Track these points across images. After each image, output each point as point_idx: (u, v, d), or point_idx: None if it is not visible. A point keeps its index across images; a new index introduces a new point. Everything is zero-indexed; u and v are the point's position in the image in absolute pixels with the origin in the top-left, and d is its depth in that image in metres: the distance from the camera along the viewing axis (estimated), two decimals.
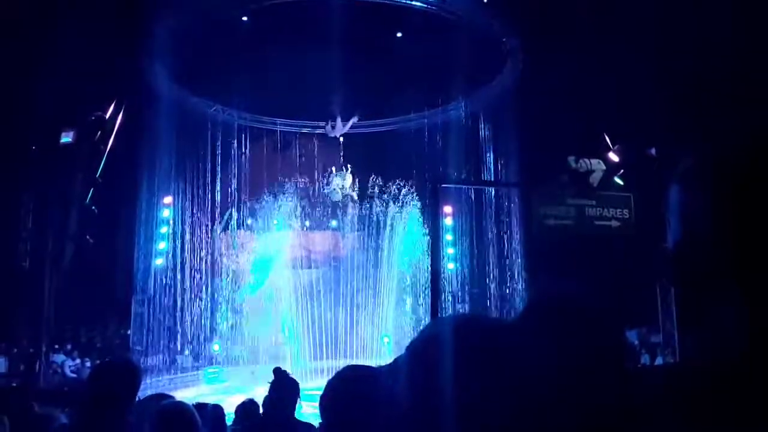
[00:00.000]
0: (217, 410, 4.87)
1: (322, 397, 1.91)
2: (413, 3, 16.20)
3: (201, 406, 7.34)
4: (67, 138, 12.52)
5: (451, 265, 19.63)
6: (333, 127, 20.54)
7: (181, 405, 2.89)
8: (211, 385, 17.76)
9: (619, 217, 12.12)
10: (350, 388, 1.88)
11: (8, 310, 12.37)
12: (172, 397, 3.41)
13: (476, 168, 18.00)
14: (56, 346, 16.24)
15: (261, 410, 5.15)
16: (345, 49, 17.15)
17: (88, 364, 16.91)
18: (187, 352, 19.30)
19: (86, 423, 2.76)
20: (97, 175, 13.31)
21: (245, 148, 20.65)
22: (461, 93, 18.10)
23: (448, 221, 19.49)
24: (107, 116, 13.73)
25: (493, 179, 17.49)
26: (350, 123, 20.33)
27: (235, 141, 20.14)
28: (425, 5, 16.20)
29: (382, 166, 19.97)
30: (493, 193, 18.22)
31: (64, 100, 12.97)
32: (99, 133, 13.47)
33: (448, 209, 19.12)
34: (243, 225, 22.14)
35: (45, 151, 12.38)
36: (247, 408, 5.71)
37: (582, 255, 13.40)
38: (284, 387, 3.74)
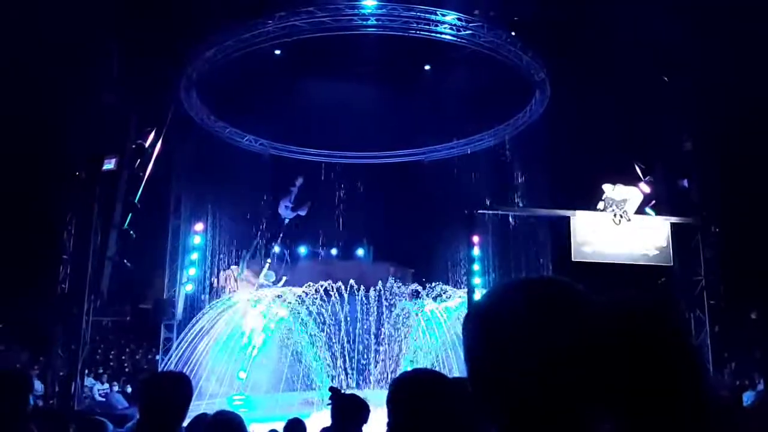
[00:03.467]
0: (299, 423, 4.83)
1: (390, 392, 1.91)
2: (443, 36, 16.52)
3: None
4: (109, 165, 12.90)
5: (477, 295, 19.52)
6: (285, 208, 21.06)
7: (233, 413, 2.87)
8: (236, 412, 17.67)
9: (657, 246, 12.02)
10: (420, 386, 1.90)
11: (47, 331, 12.57)
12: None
13: (507, 197, 18.07)
14: (86, 371, 16.39)
15: None
16: (374, 81, 17.55)
17: (116, 388, 17.02)
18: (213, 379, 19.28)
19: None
20: (136, 200, 13.63)
21: (273, 177, 20.98)
22: (492, 122, 18.30)
23: (476, 251, 19.48)
24: (147, 144, 14.13)
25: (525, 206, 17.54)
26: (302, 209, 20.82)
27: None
28: (455, 38, 16.53)
29: (412, 194, 20.09)
30: (521, 221, 18.22)
31: (107, 129, 13.41)
32: (139, 160, 13.85)
33: (475, 239, 19.13)
34: (268, 255, 22.36)
35: (89, 177, 12.74)
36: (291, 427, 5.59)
37: (616, 284, 13.28)
38: (349, 407, 3.59)
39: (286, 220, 21.42)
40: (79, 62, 13.45)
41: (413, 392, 1.89)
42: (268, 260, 21.36)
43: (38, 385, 14.69)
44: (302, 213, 21.16)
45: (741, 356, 15.04)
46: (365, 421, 3.49)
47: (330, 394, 3.58)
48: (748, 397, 13.55)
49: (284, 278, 21.15)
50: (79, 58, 13.38)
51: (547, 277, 0.88)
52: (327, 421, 3.74)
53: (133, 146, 13.48)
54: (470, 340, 0.86)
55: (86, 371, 16.34)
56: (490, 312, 0.85)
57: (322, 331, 19.37)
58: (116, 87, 13.77)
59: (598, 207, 12.30)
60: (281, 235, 21.97)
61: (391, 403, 1.92)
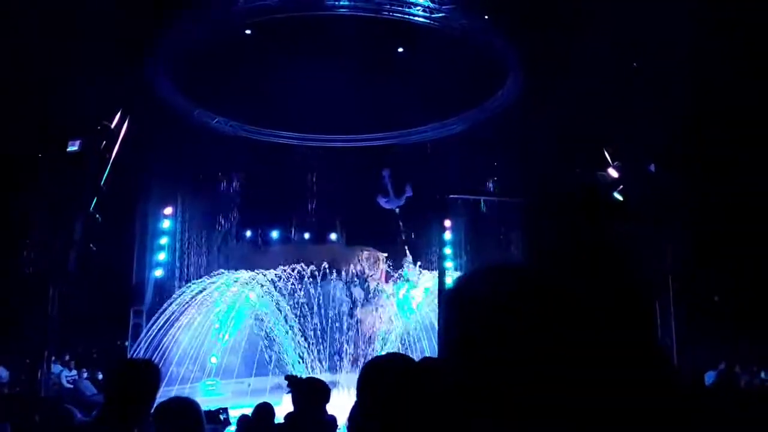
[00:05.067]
0: (268, 407, 4.83)
1: (361, 376, 1.94)
2: (415, 18, 16.41)
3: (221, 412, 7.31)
4: (73, 146, 12.55)
5: (449, 279, 19.71)
6: (387, 201, 20.41)
7: (183, 398, 2.82)
8: (208, 398, 17.62)
9: (623, 231, 12.24)
10: (386, 369, 1.92)
11: (12, 318, 12.27)
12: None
13: (479, 182, 18.17)
14: (53, 357, 16.08)
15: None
16: (345, 63, 17.37)
17: (85, 375, 16.76)
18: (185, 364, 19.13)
19: (106, 421, 2.67)
20: (102, 184, 13.32)
21: (244, 160, 20.71)
22: (463, 108, 18.32)
23: (447, 235, 19.62)
24: (113, 126, 13.78)
25: (497, 192, 17.68)
26: (404, 195, 20.26)
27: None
28: (428, 21, 16.43)
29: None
30: (490, 206, 18.37)
31: (71, 110, 13.01)
32: (104, 142, 13.50)
33: (447, 223, 19.26)
34: (241, 238, 22.18)
35: (52, 159, 12.39)
36: (251, 419, 5.54)
37: (584, 268, 13.48)
38: (307, 392, 3.60)
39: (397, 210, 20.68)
40: (40, 40, 13.02)
41: (381, 377, 1.91)
42: None
43: (3, 372, 14.39)
44: (409, 194, 20.20)
45: (704, 338, 15.54)
46: (326, 401, 3.52)
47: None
48: (709, 377, 14.03)
49: None
50: (40, 36, 12.93)
51: (516, 264, 0.89)
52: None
53: (99, 128, 13.13)
54: (443, 322, 0.87)
55: (53, 358, 16.06)
56: (461, 296, 0.86)
57: (295, 315, 19.36)
58: (80, 67, 13.35)
59: (567, 191, 12.46)
60: (252, 218, 21.77)
61: (360, 387, 1.94)
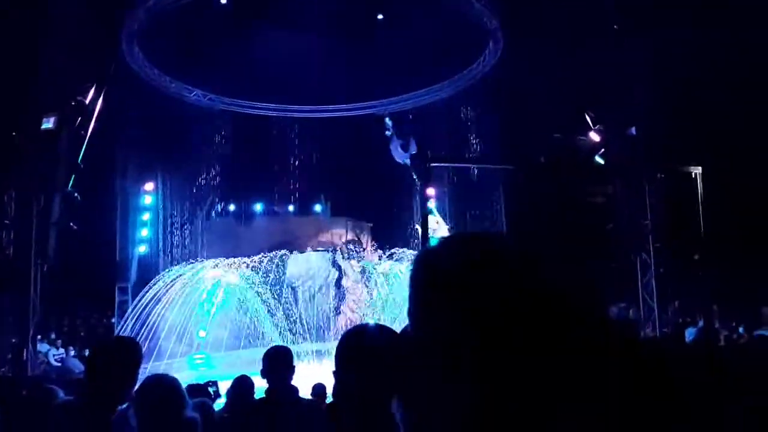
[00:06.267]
0: (245, 380, 4.84)
1: (338, 347, 1.92)
2: None
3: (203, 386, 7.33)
4: (47, 123, 12.27)
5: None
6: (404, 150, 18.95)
7: (161, 375, 2.75)
8: (196, 371, 17.71)
9: (603, 193, 12.36)
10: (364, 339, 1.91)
11: None
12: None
13: (462, 149, 18.13)
14: (39, 336, 16.05)
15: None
16: (325, 32, 17.09)
17: (72, 353, 16.77)
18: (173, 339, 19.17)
19: (88, 400, 2.66)
20: (79, 161, 13.07)
21: (224, 134, 20.43)
22: (444, 74, 18.17)
23: (431, 203, 19.65)
24: (87, 101, 13.46)
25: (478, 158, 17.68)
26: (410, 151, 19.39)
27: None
28: None
29: (367, 148, 19.95)
30: (476, 173, 18.42)
31: (43, 85, 12.70)
32: (79, 118, 13.21)
33: (431, 191, 19.27)
34: (224, 212, 22.03)
35: (26, 137, 12.12)
36: (238, 386, 5.51)
37: (565, 232, 13.67)
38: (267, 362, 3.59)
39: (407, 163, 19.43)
40: (10, 14, 12.61)
41: (358, 346, 1.92)
42: None
43: None
44: (413, 151, 18.54)
45: (684, 296, 15.88)
46: (288, 366, 3.58)
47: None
48: (690, 333, 14.39)
49: None
50: (10, 10, 12.52)
51: (481, 233, 0.88)
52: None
53: (73, 103, 12.82)
54: (410, 290, 0.86)
55: (39, 337, 16.02)
56: (423, 261, 0.85)
57: (279, 296, 19.36)
58: (52, 40, 12.98)
59: (547, 156, 12.54)
60: (235, 192, 21.58)
61: (337, 357, 1.95)
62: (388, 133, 19.29)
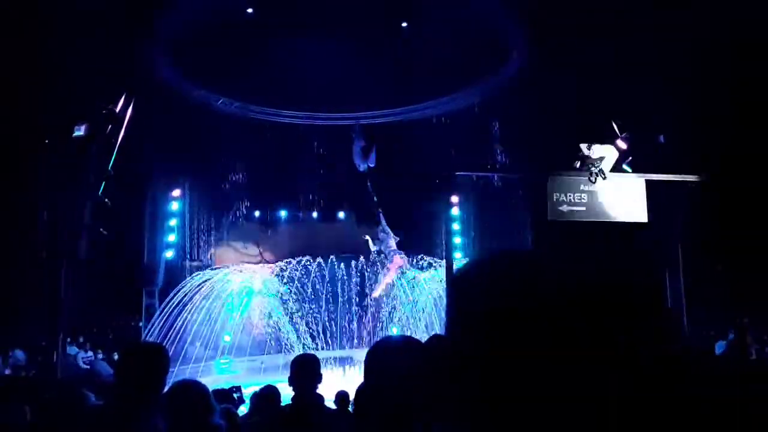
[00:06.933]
0: (272, 389, 4.87)
1: (368, 357, 1.97)
2: None
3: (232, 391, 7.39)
4: (79, 131, 12.57)
5: (458, 255, 19.72)
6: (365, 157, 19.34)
7: (190, 380, 2.84)
8: (222, 375, 17.90)
9: (632, 203, 12.16)
10: (393, 351, 1.96)
11: (26, 302, 12.47)
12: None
13: (487, 158, 18.05)
14: (68, 339, 16.37)
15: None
16: (348, 40, 17.19)
17: (100, 355, 17.08)
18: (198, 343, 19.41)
19: (118, 405, 2.71)
20: (109, 168, 13.35)
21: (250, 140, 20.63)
22: (469, 83, 18.13)
23: (455, 211, 19.58)
24: (117, 109, 13.76)
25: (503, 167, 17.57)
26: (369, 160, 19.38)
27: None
28: None
29: (390, 157, 19.93)
30: (500, 182, 18.29)
31: (75, 95, 13.03)
32: (110, 126, 13.50)
33: (454, 199, 19.19)
34: (249, 218, 22.27)
35: (58, 145, 12.44)
36: (265, 396, 5.56)
37: (593, 242, 13.49)
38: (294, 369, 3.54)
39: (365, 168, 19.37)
40: (43, 28, 13.00)
41: (384, 357, 1.95)
42: None
43: (20, 354, 14.67)
44: (372, 164, 19.07)
45: (712, 308, 15.53)
46: (316, 374, 3.57)
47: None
48: (719, 347, 14.06)
49: None
50: (43, 21, 12.90)
51: (515, 251, 0.89)
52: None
53: (104, 112, 13.13)
54: (447, 303, 0.90)
55: (68, 339, 16.34)
56: (461, 282, 0.88)
57: (304, 302, 19.49)
58: (83, 51, 13.33)
59: (574, 165, 12.39)
60: (260, 198, 21.80)
61: (365, 368, 1.98)
62: (354, 136, 19.55)
